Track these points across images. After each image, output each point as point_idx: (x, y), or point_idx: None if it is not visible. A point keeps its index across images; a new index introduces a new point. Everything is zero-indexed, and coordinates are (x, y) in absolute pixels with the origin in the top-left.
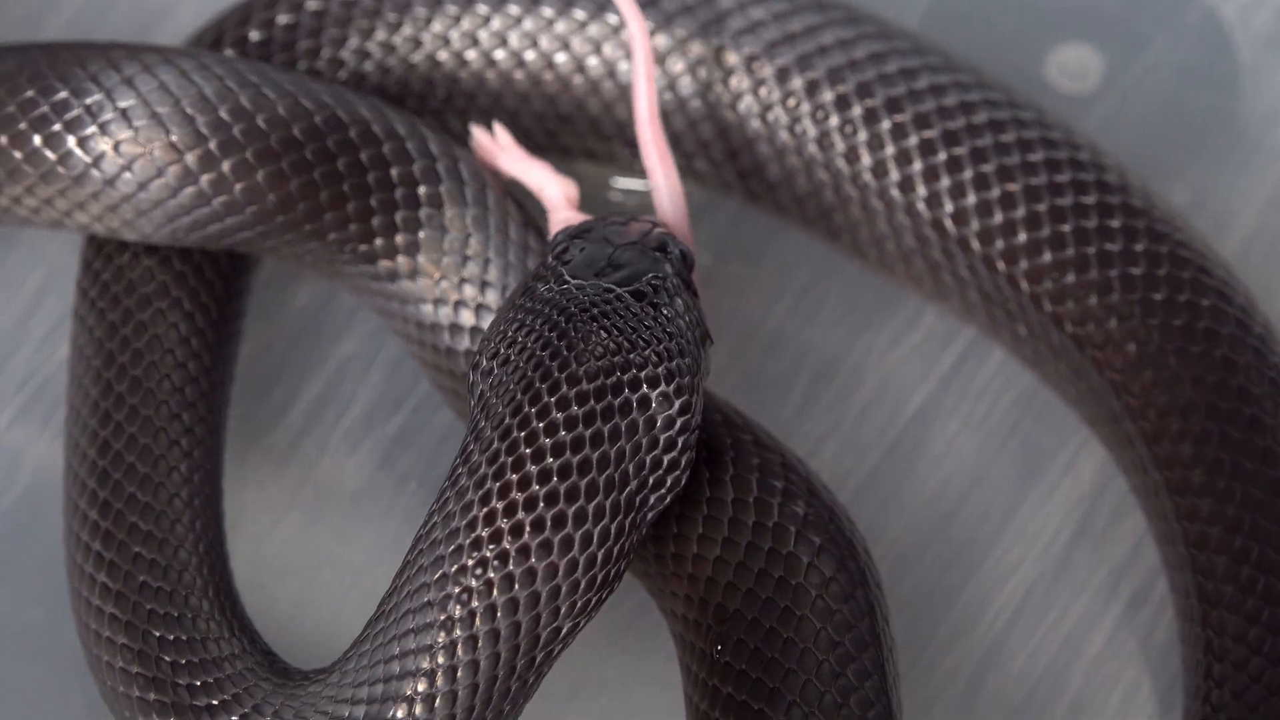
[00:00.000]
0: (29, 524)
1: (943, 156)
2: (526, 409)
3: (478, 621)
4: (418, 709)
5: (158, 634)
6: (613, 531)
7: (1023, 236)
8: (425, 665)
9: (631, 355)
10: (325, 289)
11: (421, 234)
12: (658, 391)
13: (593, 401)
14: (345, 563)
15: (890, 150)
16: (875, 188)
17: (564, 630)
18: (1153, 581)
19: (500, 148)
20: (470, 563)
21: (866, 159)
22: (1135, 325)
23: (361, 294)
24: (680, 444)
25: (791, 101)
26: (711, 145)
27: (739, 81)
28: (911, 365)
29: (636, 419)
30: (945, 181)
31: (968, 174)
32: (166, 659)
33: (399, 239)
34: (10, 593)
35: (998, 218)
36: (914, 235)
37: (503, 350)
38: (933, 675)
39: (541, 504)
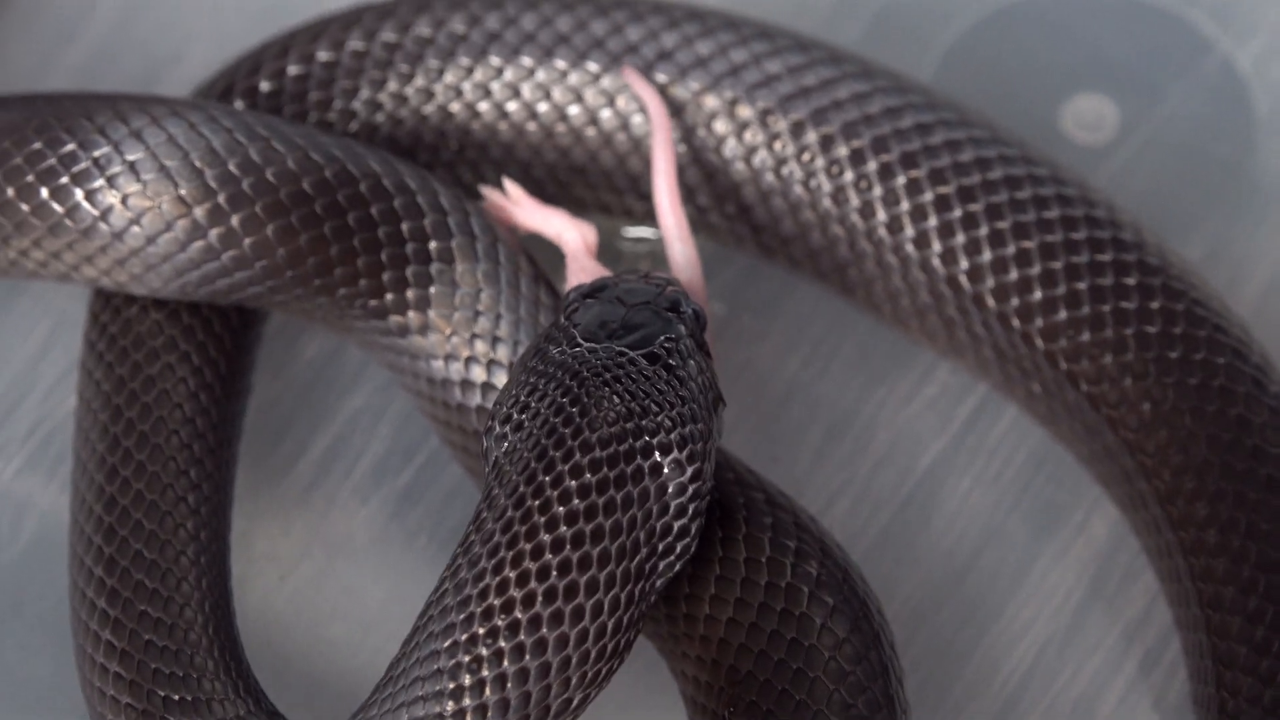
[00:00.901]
0: (34, 576)
1: (958, 213)
2: (540, 476)
3: (487, 691)
4: None
5: (162, 694)
6: (623, 600)
7: (1038, 294)
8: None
9: (644, 421)
10: (334, 342)
11: (432, 289)
12: (670, 458)
13: (605, 469)
14: (354, 617)
15: (905, 206)
16: (890, 243)
17: (575, 701)
18: (1166, 642)
19: (513, 201)
20: (481, 631)
21: (881, 214)
22: (1150, 384)
23: (371, 349)
24: (691, 510)
25: (806, 156)
26: (726, 199)
27: (753, 135)
28: (925, 421)
29: (649, 486)
30: (960, 238)
31: (983, 230)
32: (171, 719)
33: (410, 294)
34: (16, 645)
35: (1013, 274)
36: (928, 291)
37: (515, 415)
38: None
39: (554, 573)
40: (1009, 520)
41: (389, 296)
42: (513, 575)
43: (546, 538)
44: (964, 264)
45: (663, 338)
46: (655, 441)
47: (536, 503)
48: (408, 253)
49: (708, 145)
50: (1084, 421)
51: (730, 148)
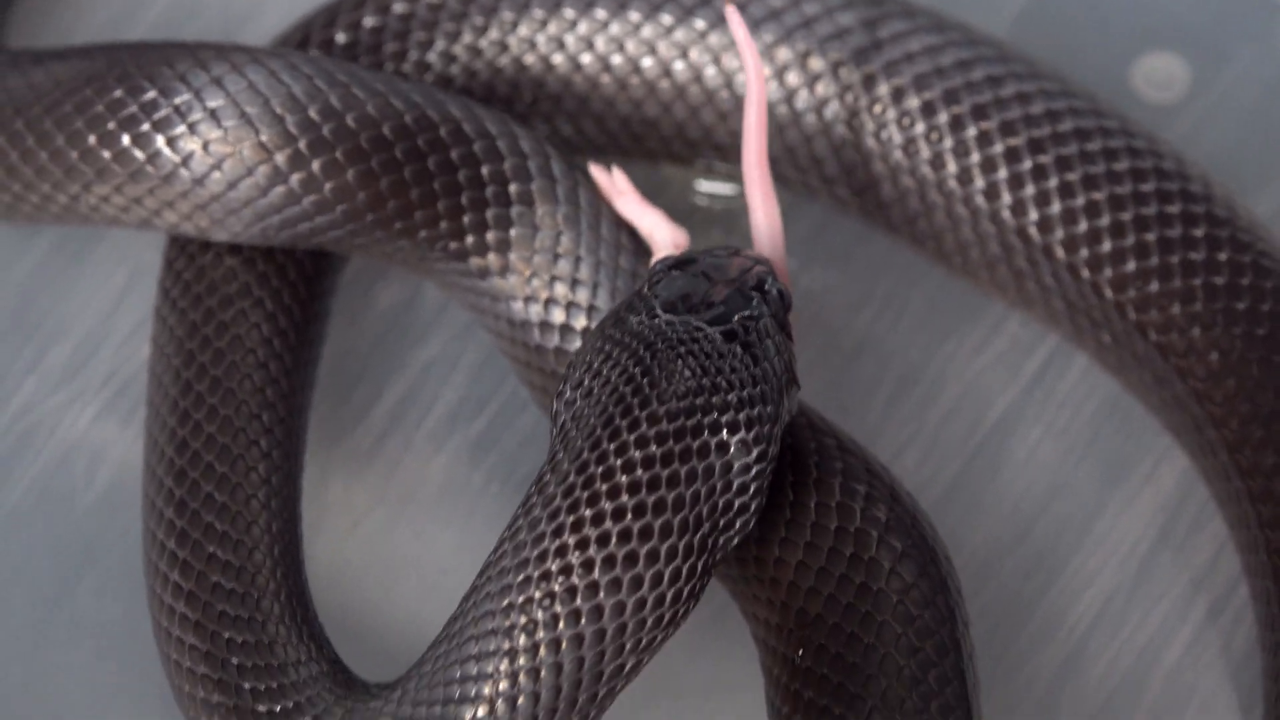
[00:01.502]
0: (109, 523)
1: (1028, 164)
2: (605, 444)
3: (541, 653)
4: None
5: (227, 636)
6: (683, 572)
7: (1107, 245)
8: (486, 692)
9: (714, 398)
10: (409, 290)
11: (513, 232)
12: (736, 438)
13: (671, 442)
14: (426, 564)
15: (975, 157)
16: (960, 195)
17: (627, 667)
18: (1232, 589)
19: (617, 191)
20: (538, 595)
21: (952, 166)
22: (1218, 334)
23: (452, 291)
24: (754, 489)
25: (878, 109)
26: (797, 151)
27: (825, 88)
28: (994, 373)
29: (713, 463)
30: (1030, 190)
31: (1053, 182)
32: (234, 661)
33: (490, 236)
34: (90, 590)
35: (1082, 226)
36: (998, 243)
37: (586, 381)
38: (1012, 682)
39: (614, 541)
40: (1077, 471)
41: (469, 239)
42: (571, 541)
43: (608, 505)
44: (1034, 216)
45: (741, 315)
46: (723, 420)
47: (600, 469)
48: (488, 196)
49: (780, 97)
50: (1153, 371)
51: (802, 100)
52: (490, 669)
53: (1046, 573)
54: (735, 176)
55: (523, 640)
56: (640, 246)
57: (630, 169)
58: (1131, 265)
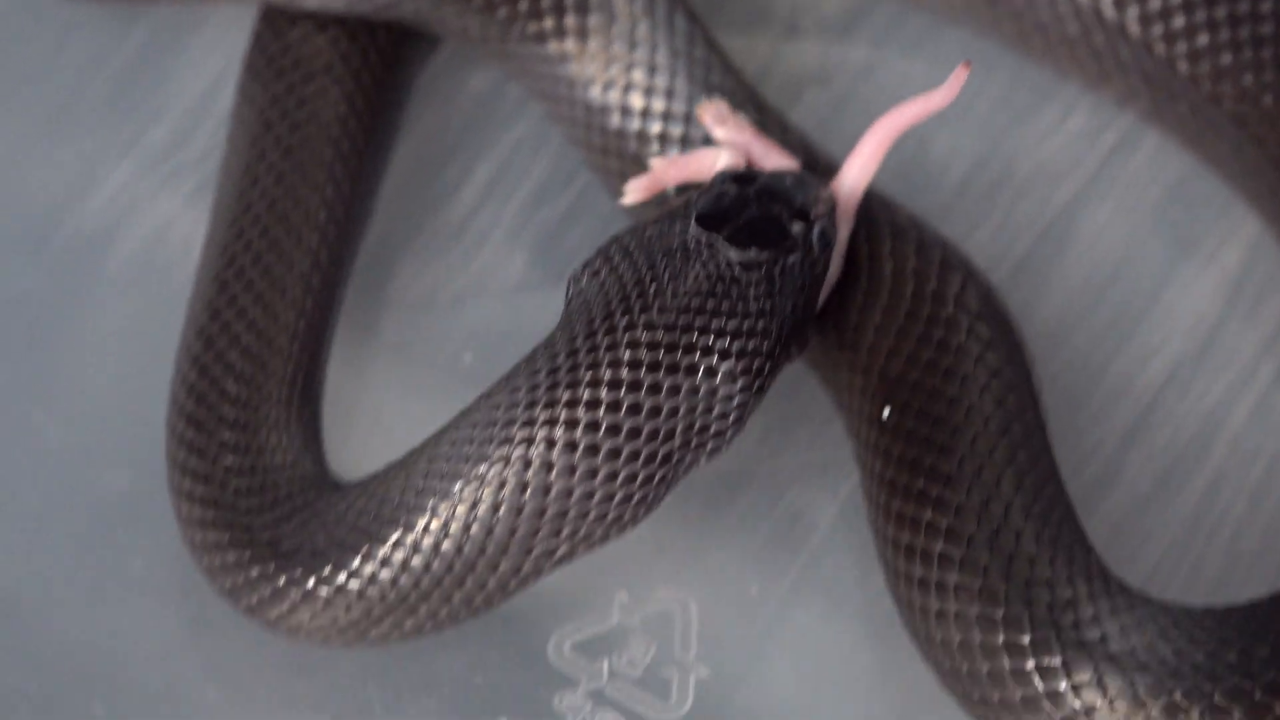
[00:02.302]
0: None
1: None
2: (598, 337)
3: (480, 510)
4: (419, 538)
5: (221, 412)
6: (638, 479)
7: (1179, 21)
8: (417, 522)
9: (714, 320)
10: (499, 77)
11: (591, 18)
12: (725, 366)
13: (661, 352)
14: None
15: None
16: None
17: (558, 553)
18: None
19: (663, 171)
20: (495, 454)
21: None
22: None
23: (528, 79)
24: (731, 419)
25: None
26: None
27: None
28: (1065, 155)
29: (697, 384)
30: None
31: None
32: (225, 461)
33: (568, 21)
34: None
35: (1155, 3)
36: (1076, 21)
37: (602, 272)
38: (1080, 445)
39: (580, 429)
40: (1144, 247)
41: (548, 22)
42: (543, 416)
43: (586, 394)
44: None
45: (769, 248)
46: (716, 344)
47: (588, 359)
48: None
49: None
50: (1230, 141)
51: None
52: (426, 505)
53: (1115, 342)
54: None
55: (466, 491)
56: (713, 40)
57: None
58: (1203, 39)
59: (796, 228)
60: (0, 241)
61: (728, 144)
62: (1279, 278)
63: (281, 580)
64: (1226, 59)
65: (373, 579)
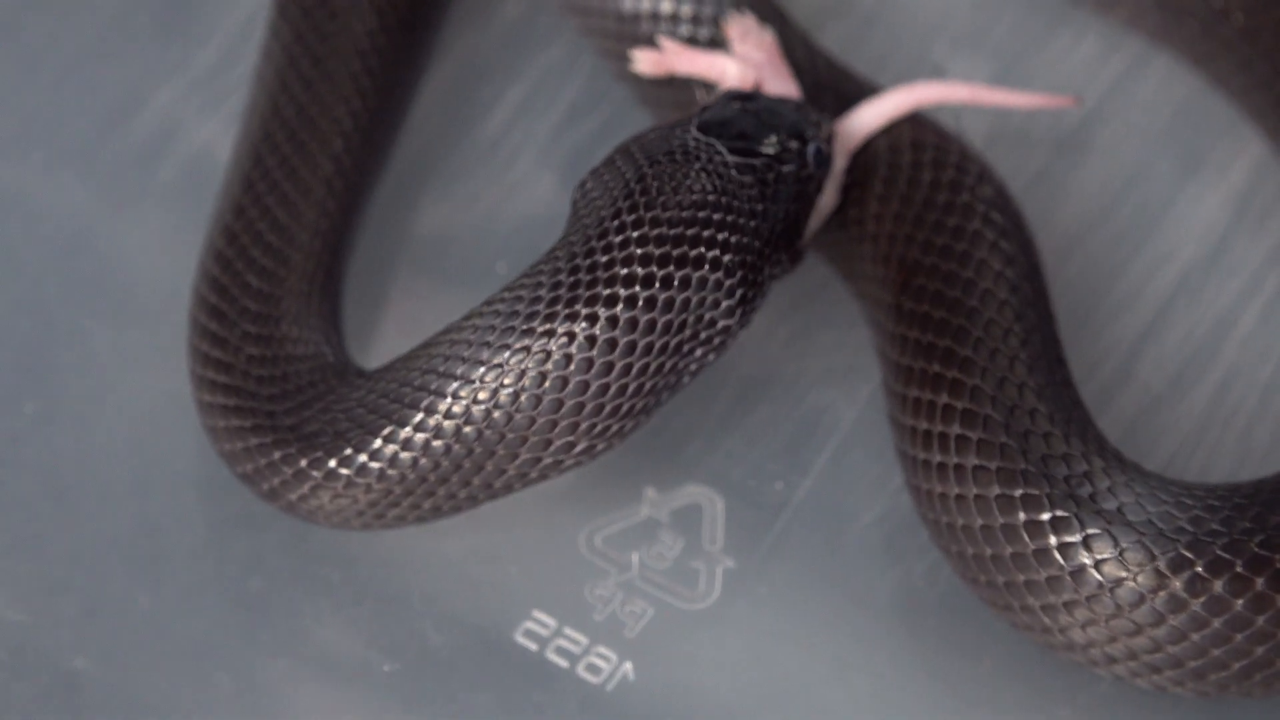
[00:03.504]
0: None
1: None
2: (609, 236)
3: (483, 396)
4: (440, 420)
5: (244, 304)
6: (661, 366)
7: None
8: (454, 389)
9: (714, 215)
10: (530, 3)
11: None
12: (725, 260)
13: (669, 246)
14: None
15: None
16: None
17: (582, 430)
18: None
19: (674, 57)
20: (515, 343)
21: None
22: None
23: None
24: (720, 325)
25: None
26: None
27: None
28: (1077, 77)
29: (705, 276)
30: None
31: None
32: (245, 351)
33: None
34: None
35: None
36: None
37: (606, 176)
38: (1095, 346)
39: (600, 323)
40: (1156, 163)
41: None
42: (563, 312)
43: (603, 291)
44: None
45: (765, 155)
46: (715, 239)
47: (600, 258)
48: None
49: None
50: (1238, 55)
51: None
52: (448, 389)
53: (1128, 249)
54: None
55: (489, 376)
56: None
57: None
58: None
59: (792, 144)
60: (51, 156)
61: (745, 60)
62: None
63: (303, 462)
64: None
65: (394, 460)
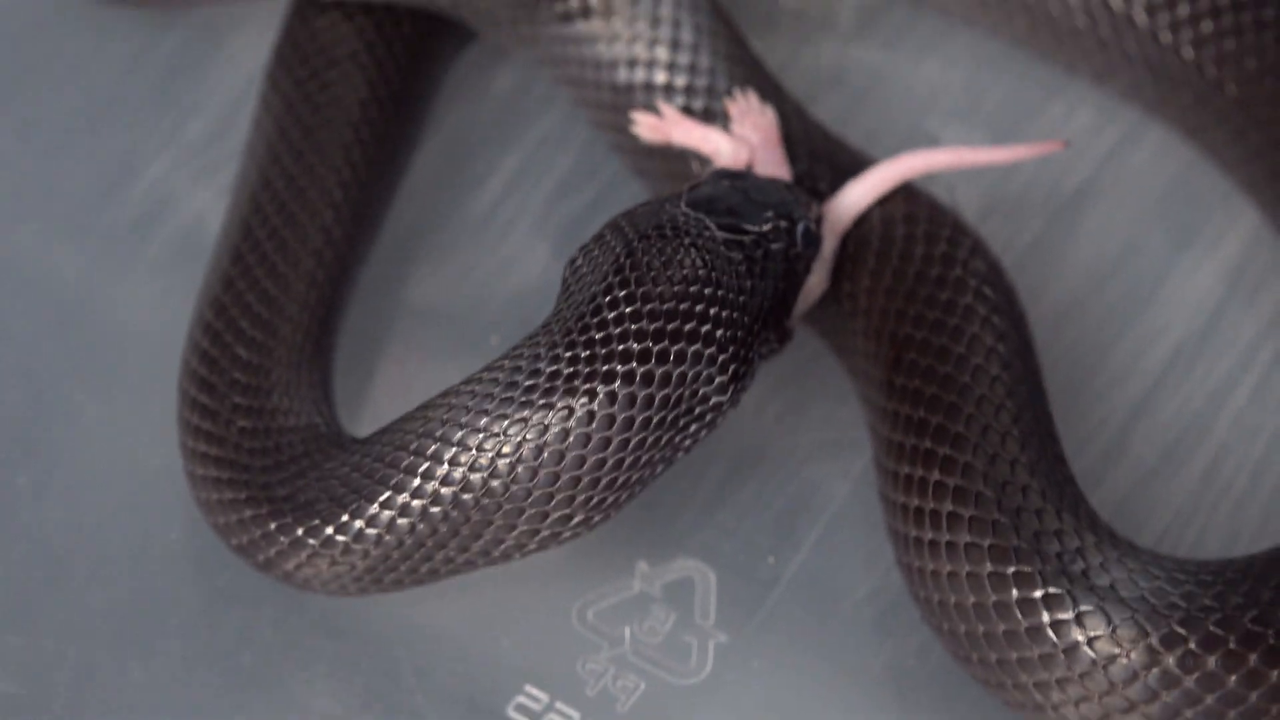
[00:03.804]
0: None
1: None
2: (602, 313)
3: (457, 475)
4: (437, 486)
5: (233, 376)
6: (647, 441)
7: (1184, 9)
8: (451, 456)
9: (705, 289)
10: (526, 74)
11: None
12: (712, 347)
13: (662, 321)
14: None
15: None
16: None
17: (577, 503)
18: None
19: (671, 124)
20: (487, 426)
21: None
22: None
23: (554, 62)
24: (728, 391)
25: None
26: None
27: None
28: (1069, 151)
29: (690, 352)
30: None
31: None
32: (236, 424)
33: (594, 0)
34: None
35: None
36: (1085, 14)
37: (596, 252)
38: (1086, 421)
39: (578, 408)
40: (1148, 237)
41: (573, 1)
42: (540, 399)
43: (584, 369)
44: None
45: (754, 231)
46: (703, 314)
47: (590, 336)
48: None
49: None
50: (1232, 124)
51: None
52: (444, 456)
53: (1121, 322)
54: None
55: (488, 444)
56: (733, 20)
57: None
58: (1207, 26)
59: (781, 223)
60: (45, 228)
61: (742, 139)
62: (1276, 266)
63: (299, 531)
64: (1230, 44)
65: (391, 525)
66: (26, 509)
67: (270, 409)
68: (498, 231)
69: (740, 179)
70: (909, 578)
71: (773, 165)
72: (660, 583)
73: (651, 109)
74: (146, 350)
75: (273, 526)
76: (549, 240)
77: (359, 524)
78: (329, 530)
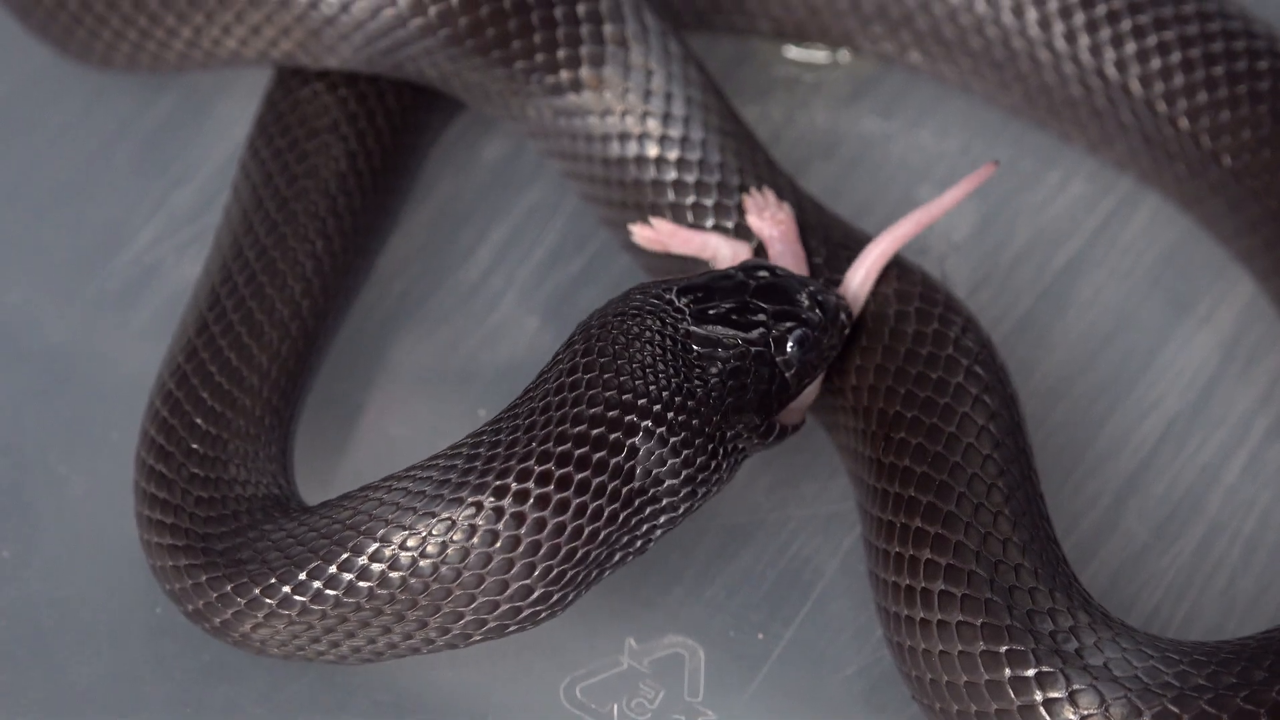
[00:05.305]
0: None
1: (1101, 10)
2: (551, 411)
3: (405, 558)
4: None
5: (192, 446)
6: (604, 535)
7: (1179, 80)
8: (388, 533)
9: (643, 402)
10: (513, 144)
11: (606, 70)
12: (672, 439)
13: (602, 409)
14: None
15: (1054, 5)
16: (1042, 40)
17: (505, 596)
18: None
19: (668, 235)
20: (441, 513)
21: (1033, 14)
22: None
23: (544, 134)
24: (681, 493)
25: None
26: (889, 8)
27: None
28: (1063, 221)
29: (640, 446)
30: (1106, 32)
31: (1125, 25)
32: (193, 493)
33: (583, 73)
34: None
35: (1155, 63)
36: (1080, 84)
37: (576, 338)
38: (1078, 497)
39: (529, 504)
40: (1140, 309)
41: (564, 74)
42: (495, 484)
43: (537, 468)
44: (1110, 56)
45: (742, 337)
46: (644, 422)
47: (544, 431)
48: (583, 34)
49: None
50: (1227, 196)
51: None
52: (396, 521)
53: (1111, 398)
54: (829, 39)
55: (398, 538)
56: (724, 93)
57: (716, 41)
58: (1203, 97)
59: (774, 330)
60: (30, 297)
61: (758, 234)
62: (1271, 338)
63: (256, 590)
64: (1225, 115)
65: (350, 588)
66: (9, 583)
67: (228, 479)
68: (486, 301)
69: (754, 270)
70: (899, 656)
71: (793, 261)
72: (649, 659)
73: (645, 213)
74: (131, 420)
75: (229, 588)
76: (538, 311)
77: (316, 584)
78: (286, 588)
